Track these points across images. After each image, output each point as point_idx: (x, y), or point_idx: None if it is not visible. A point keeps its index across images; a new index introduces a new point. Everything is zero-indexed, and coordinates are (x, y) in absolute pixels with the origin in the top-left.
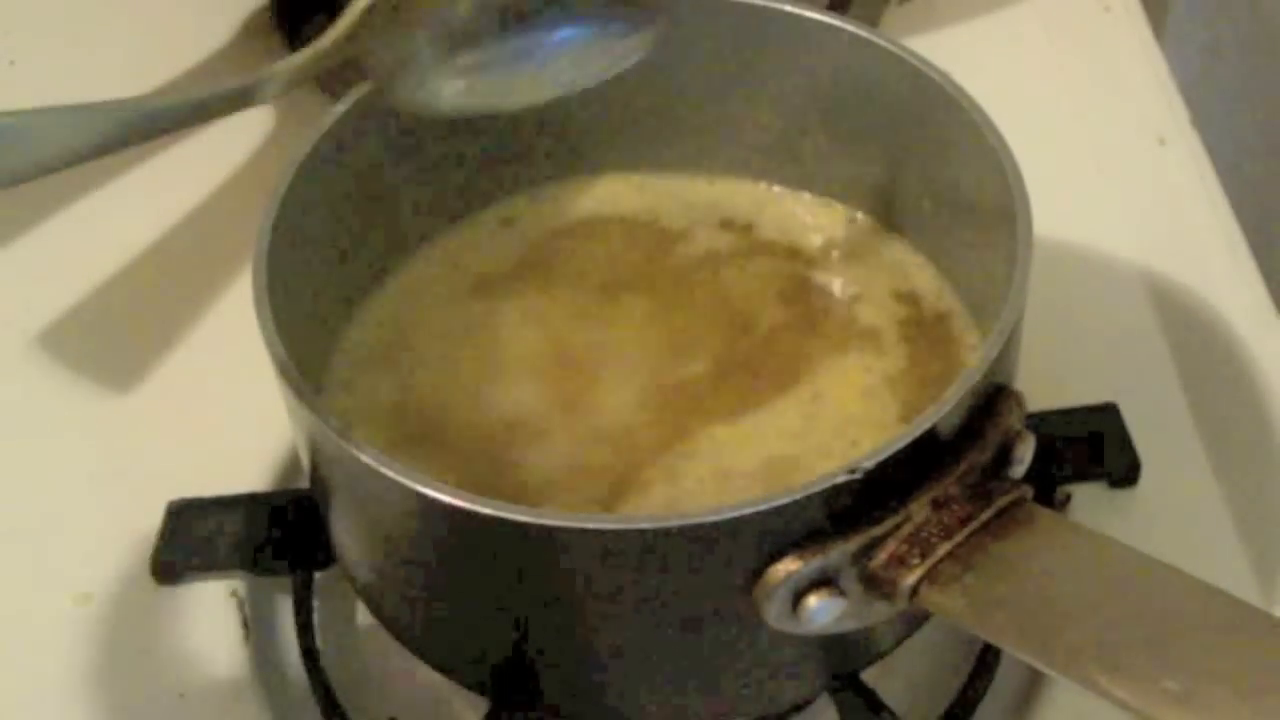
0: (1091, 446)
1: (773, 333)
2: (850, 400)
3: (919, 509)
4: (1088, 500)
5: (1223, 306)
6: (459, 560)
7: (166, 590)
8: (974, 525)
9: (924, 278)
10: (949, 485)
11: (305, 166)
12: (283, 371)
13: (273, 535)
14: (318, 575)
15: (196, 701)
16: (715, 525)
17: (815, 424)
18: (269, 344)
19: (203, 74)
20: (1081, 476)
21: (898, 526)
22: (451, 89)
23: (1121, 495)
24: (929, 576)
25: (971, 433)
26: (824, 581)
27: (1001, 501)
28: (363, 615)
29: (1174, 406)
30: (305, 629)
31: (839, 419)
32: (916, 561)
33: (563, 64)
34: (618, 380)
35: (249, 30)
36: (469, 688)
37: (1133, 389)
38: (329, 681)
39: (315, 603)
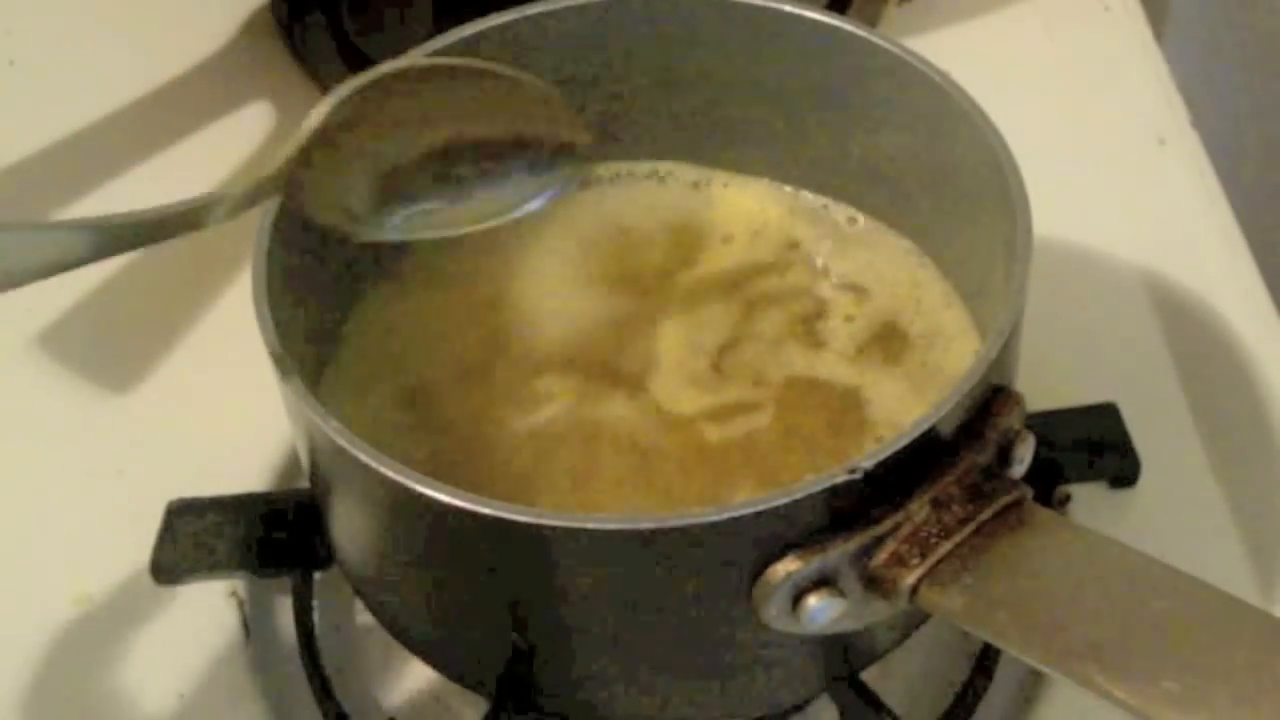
0: (1091, 446)
1: (769, 330)
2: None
3: (919, 509)
4: (1087, 500)
5: (1222, 306)
6: (458, 559)
7: (166, 590)
8: (974, 525)
9: (925, 277)
10: (949, 485)
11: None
12: (282, 371)
13: (273, 535)
14: (318, 575)
15: (196, 701)
16: (715, 525)
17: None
18: (269, 344)
19: (203, 74)
20: (1081, 476)
21: (897, 526)
22: (388, 223)
23: (1121, 495)
24: (929, 576)
25: (971, 433)
26: (824, 581)
27: (1001, 501)
28: (363, 615)
29: (1174, 406)
30: (305, 629)
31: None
32: (916, 561)
33: (498, 198)
34: (616, 379)
35: (249, 30)
36: (468, 687)
37: (1133, 389)
38: (329, 681)
39: (315, 603)
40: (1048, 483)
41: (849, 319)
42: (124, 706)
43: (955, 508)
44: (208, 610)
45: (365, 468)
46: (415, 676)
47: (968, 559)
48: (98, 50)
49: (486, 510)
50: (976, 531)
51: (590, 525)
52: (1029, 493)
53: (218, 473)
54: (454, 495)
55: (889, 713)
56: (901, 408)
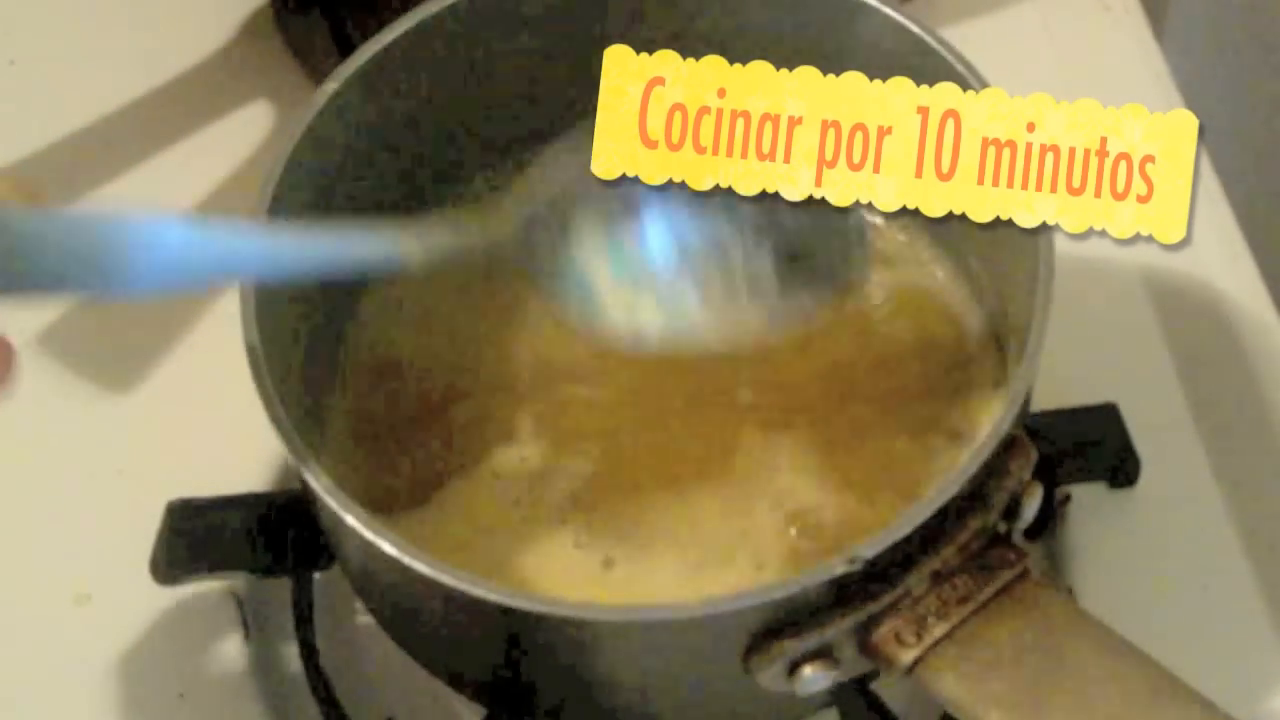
0: (1091, 446)
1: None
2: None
3: (918, 582)
4: (1088, 500)
5: (1223, 306)
6: (453, 624)
7: (166, 590)
8: (973, 605)
9: (937, 277)
10: (950, 555)
11: (292, 160)
12: (282, 430)
13: (273, 535)
14: (318, 575)
15: (196, 701)
16: (710, 618)
17: None
18: (261, 380)
19: (203, 74)
20: (1081, 476)
21: (896, 602)
22: None
23: (1121, 495)
24: (926, 656)
25: (977, 497)
26: (820, 654)
27: (1003, 578)
28: (362, 615)
29: (1174, 407)
30: (305, 629)
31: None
32: (913, 641)
33: None
34: (618, 380)
35: (249, 31)
36: (465, 696)
37: (1133, 389)
38: (329, 681)
39: (315, 602)
40: (1048, 483)
41: (864, 314)
42: (124, 706)
43: (956, 582)
44: (208, 610)
45: (352, 531)
46: (415, 677)
47: (965, 644)
48: (98, 50)
49: (478, 592)
50: (977, 612)
51: (590, 616)
52: (1030, 565)
53: (218, 473)
54: (458, 579)
55: (889, 715)
56: None
